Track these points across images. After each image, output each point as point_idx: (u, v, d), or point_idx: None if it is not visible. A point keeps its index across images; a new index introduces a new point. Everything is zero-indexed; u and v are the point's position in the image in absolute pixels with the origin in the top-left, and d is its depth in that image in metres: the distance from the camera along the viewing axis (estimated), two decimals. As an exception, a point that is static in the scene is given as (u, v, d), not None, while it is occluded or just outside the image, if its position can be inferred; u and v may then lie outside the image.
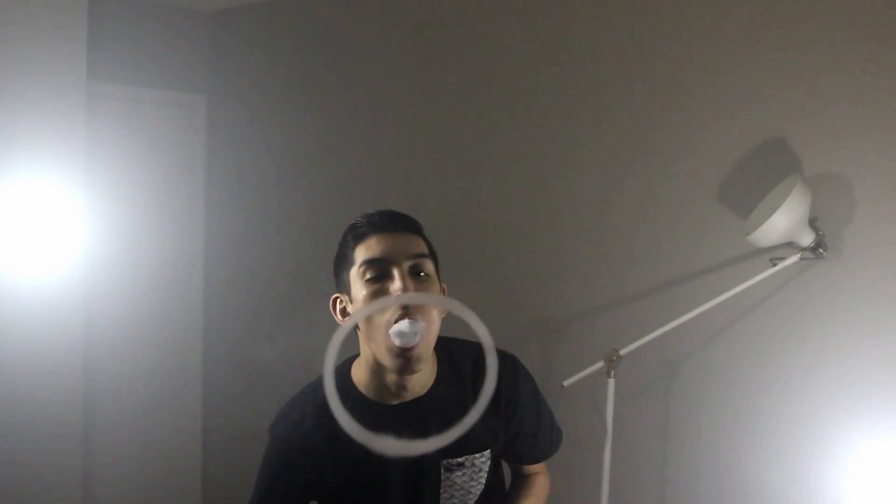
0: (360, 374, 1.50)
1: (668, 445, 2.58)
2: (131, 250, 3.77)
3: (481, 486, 1.56)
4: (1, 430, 3.08)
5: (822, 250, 2.19)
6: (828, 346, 2.25)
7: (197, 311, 4.02)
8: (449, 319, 1.43)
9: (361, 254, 1.43)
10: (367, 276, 1.41)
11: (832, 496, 2.22)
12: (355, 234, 1.46)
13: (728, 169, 2.44)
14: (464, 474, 1.53)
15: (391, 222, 1.47)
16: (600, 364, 2.41)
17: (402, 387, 1.45)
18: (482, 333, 1.16)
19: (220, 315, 3.99)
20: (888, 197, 2.16)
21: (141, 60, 3.78)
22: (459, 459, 1.51)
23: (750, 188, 2.37)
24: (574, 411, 2.37)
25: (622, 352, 2.39)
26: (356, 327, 1.45)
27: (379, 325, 1.37)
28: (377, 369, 1.45)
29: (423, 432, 1.28)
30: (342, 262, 1.48)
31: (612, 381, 2.40)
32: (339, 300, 1.49)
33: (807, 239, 2.19)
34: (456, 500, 1.54)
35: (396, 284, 1.38)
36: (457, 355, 1.55)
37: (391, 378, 1.44)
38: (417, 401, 1.49)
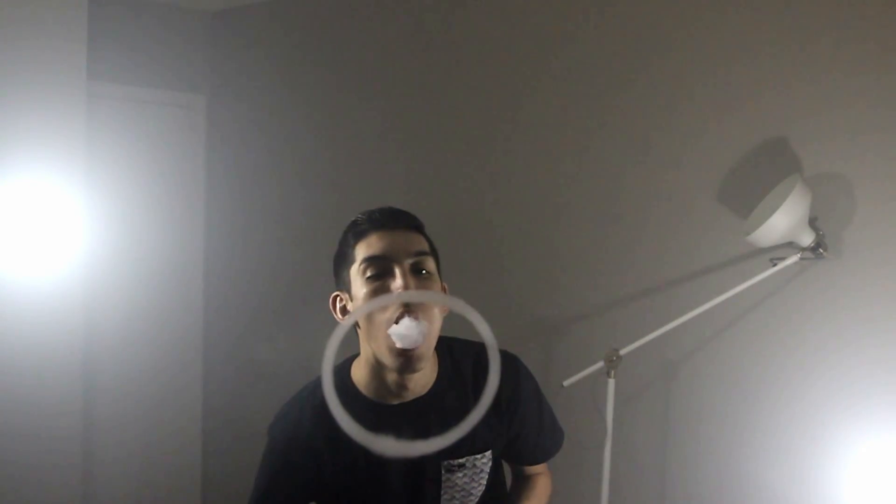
0: (359, 373, 1.48)
1: (668, 445, 2.57)
2: (131, 250, 3.76)
3: (482, 488, 1.55)
4: (1, 430, 3.08)
5: (822, 250, 2.19)
6: (828, 346, 2.25)
7: (197, 311, 4.02)
8: (450, 320, 1.43)
9: (362, 251, 1.42)
10: (368, 273, 1.40)
11: (832, 496, 2.22)
12: (356, 232, 1.45)
13: (728, 169, 2.44)
14: (464, 475, 1.51)
15: (392, 219, 1.45)
16: (600, 364, 2.41)
17: (402, 386, 1.44)
18: (485, 331, 1.15)
19: (220, 315, 3.99)
20: (888, 197, 2.16)
21: (141, 60, 3.77)
22: (460, 460, 1.50)
23: (750, 188, 2.37)
24: (574, 411, 2.37)
25: (622, 352, 2.38)
26: (356, 326, 1.44)
27: (380, 323, 1.36)
28: (377, 368, 1.44)
29: (423, 433, 1.26)
30: (342, 259, 1.47)
31: (612, 381, 2.40)
32: (338, 298, 1.47)
33: (807, 239, 2.19)
34: (456, 502, 1.53)
35: (398, 282, 1.37)
36: (458, 355, 1.54)
37: (392, 377, 1.43)
38: (418, 401, 1.47)
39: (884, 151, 2.17)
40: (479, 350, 1.53)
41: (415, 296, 1.36)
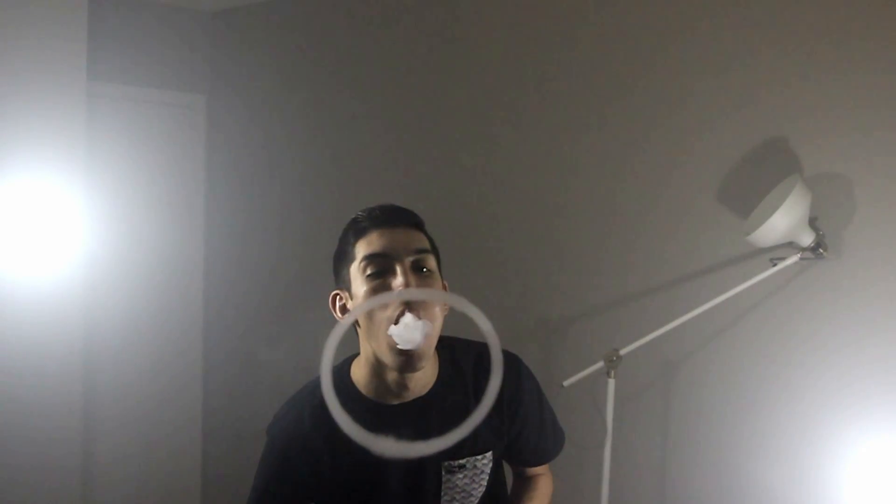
0: (359, 373, 1.47)
1: (668, 445, 2.57)
2: (131, 250, 3.77)
3: (483, 489, 1.54)
4: (1, 430, 3.08)
5: (822, 250, 2.19)
6: (828, 346, 2.25)
7: (197, 311, 4.02)
8: (450, 320, 1.43)
9: (362, 249, 1.40)
10: (368, 271, 1.38)
11: (832, 496, 2.22)
12: (356, 229, 1.43)
13: (728, 169, 2.44)
14: (465, 476, 1.50)
15: (393, 217, 1.44)
16: (600, 364, 2.41)
17: (403, 386, 1.43)
18: (487, 329, 1.13)
19: (220, 315, 3.99)
20: (888, 197, 2.16)
21: (141, 60, 3.78)
22: (461, 461, 1.49)
23: (750, 188, 2.36)
24: (574, 411, 2.37)
25: (622, 352, 2.38)
26: (356, 325, 1.42)
27: (380, 321, 1.34)
28: (378, 368, 1.42)
29: (424, 433, 1.25)
30: (342, 257, 1.45)
31: (612, 381, 2.40)
32: (338, 297, 1.46)
33: (807, 239, 2.19)
34: (457, 503, 1.51)
35: (398, 280, 1.35)
36: (458, 354, 1.52)
37: (392, 377, 1.42)
38: (418, 401, 1.46)
39: (884, 151, 2.17)
40: (479, 350, 1.51)
41: (416, 293, 1.34)
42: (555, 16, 2.84)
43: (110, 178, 3.66)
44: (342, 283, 1.45)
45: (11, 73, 3.08)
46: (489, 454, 1.52)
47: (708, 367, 2.49)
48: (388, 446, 1.13)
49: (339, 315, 1.45)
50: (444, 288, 1.46)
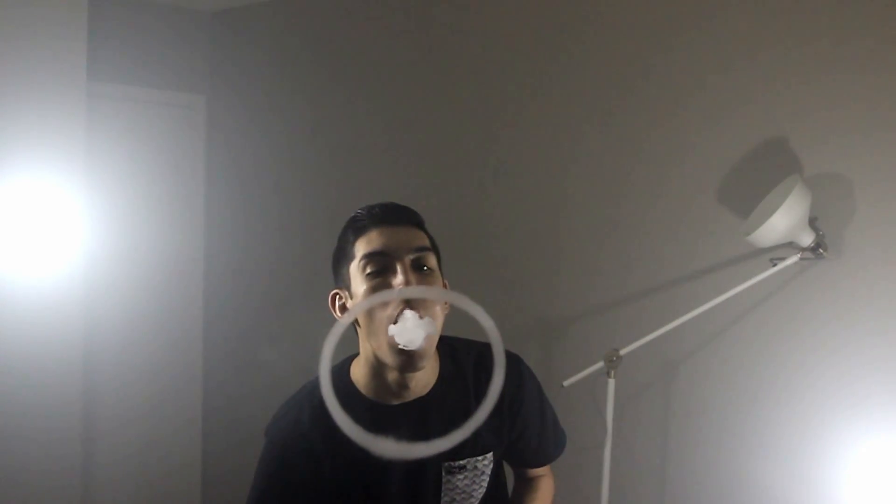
0: (359, 373, 1.45)
1: (668, 445, 2.57)
2: (131, 250, 3.77)
3: (483, 490, 1.52)
4: (1, 430, 3.08)
5: (822, 250, 2.19)
6: (828, 347, 2.25)
7: (197, 311, 4.02)
8: (451, 321, 1.43)
9: (362, 247, 1.39)
10: (368, 270, 1.37)
11: (832, 496, 2.22)
12: (356, 228, 1.42)
13: (728, 169, 2.44)
14: (465, 477, 1.49)
15: (393, 215, 1.42)
16: (600, 364, 2.41)
17: (403, 385, 1.41)
18: (489, 327, 1.12)
19: (220, 315, 3.98)
20: (888, 197, 2.16)
21: (141, 60, 3.78)
22: (461, 462, 1.47)
23: (750, 188, 2.36)
24: (574, 411, 2.37)
25: (622, 352, 2.38)
26: (356, 324, 1.41)
27: (380, 320, 1.32)
28: (378, 367, 1.41)
29: (424, 434, 1.25)
30: (342, 256, 1.44)
31: (612, 381, 2.40)
32: (338, 296, 1.44)
33: (807, 239, 2.19)
34: None
35: (399, 278, 1.34)
36: (459, 354, 1.51)
37: (392, 376, 1.40)
38: (419, 401, 1.44)
39: (884, 151, 2.17)
40: (480, 349, 1.51)
41: (416, 292, 1.33)
42: (555, 16, 2.84)
43: (110, 178, 3.66)
44: (342, 281, 1.44)
45: (11, 73, 3.08)
46: (490, 455, 1.51)
47: (708, 367, 2.49)
48: (388, 447, 1.12)
49: (339, 314, 1.44)
50: (445, 286, 1.44)
